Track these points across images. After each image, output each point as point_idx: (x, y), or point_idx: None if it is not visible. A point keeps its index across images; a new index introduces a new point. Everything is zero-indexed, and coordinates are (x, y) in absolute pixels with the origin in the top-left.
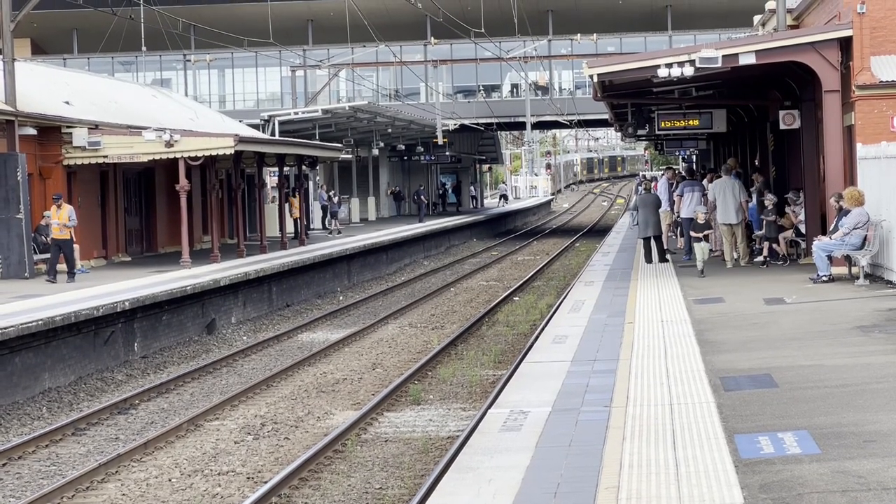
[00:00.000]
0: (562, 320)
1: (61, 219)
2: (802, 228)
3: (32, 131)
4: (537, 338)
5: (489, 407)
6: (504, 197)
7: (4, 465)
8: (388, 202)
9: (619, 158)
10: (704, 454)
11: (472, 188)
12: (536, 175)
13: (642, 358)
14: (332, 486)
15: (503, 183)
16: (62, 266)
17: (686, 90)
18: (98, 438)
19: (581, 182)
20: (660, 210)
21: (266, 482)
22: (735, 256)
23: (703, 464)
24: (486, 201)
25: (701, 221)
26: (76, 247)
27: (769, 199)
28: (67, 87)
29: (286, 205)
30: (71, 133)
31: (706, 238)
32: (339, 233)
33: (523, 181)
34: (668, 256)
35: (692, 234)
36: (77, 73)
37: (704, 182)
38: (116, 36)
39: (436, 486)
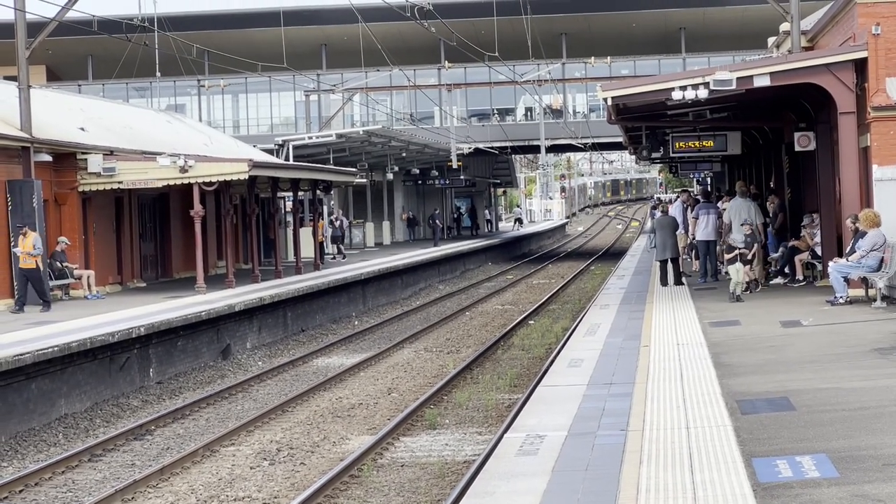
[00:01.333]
0: (577, 344)
1: (26, 247)
2: (818, 250)
3: (48, 158)
4: (553, 361)
5: (505, 431)
6: (519, 220)
7: (21, 491)
8: (403, 226)
9: (627, 182)
10: (722, 478)
11: (486, 212)
12: (551, 198)
13: (658, 381)
14: None
15: (518, 206)
16: (79, 293)
17: (700, 112)
18: (114, 465)
19: (596, 205)
20: (676, 232)
21: None
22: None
23: (720, 488)
24: (500, 225)
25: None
26: (91, 272)
27: (747, 225)
28: (82, 113)
29: (308, 229)
30: (86, 159)
31: (741, 258)
32: (344, 257)
33: (538, 204)
34: (683, 279)
35: (726, 256)
36: (92, 99)
37: (720, 204)
38: (131, 62)
39: None
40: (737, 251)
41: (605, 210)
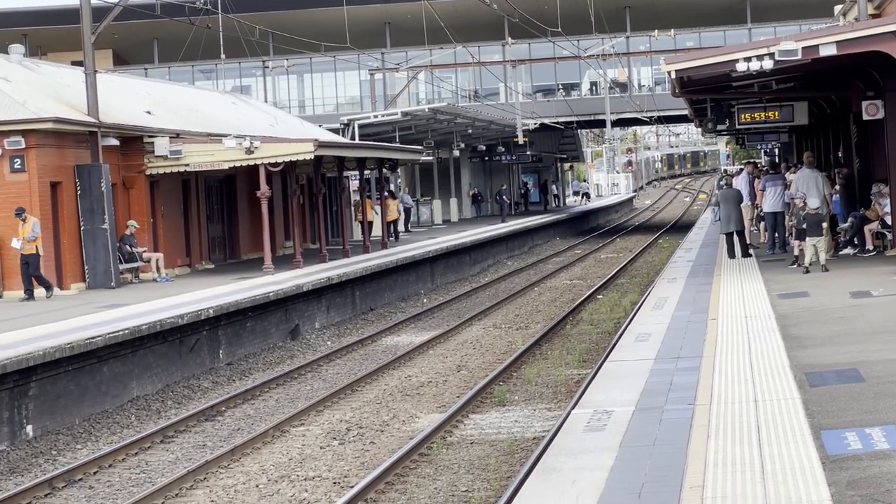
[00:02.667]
0: (645, 318)
1: (25, 233)
2: (888, 220)
3: (115, 142)
4: (621, 336)
5: (573, 407)
6: (586, 195)
7: (95, 472)
8: (470, 203)
9: (696, 154)
10: (790, 451)
11: (553, 187)
12: (618, 172)
13: (726, 354)
14: (418, 489)
15: (584, 181)
16: (148, 276)
17: (766, 83)
18: (186, 445)
19: (663, 178)
20: (741, 205)
21: (352, 487)
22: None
23: (788, 461)
24: (567, 200)
25: (823, 212)
26: (160, 255)
27: (799, 198)
28: (149, 96)
29: (377, 207)
30: (153, 142)
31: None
32: (396, 239)
33: (605, 179)
34: (751, 251)
35: (822, 226)
36: (158, 82)
37: (787, 175)
38: (196, 45)
39: (521, 488)
40: (819, 218)
41: (673, 183)
